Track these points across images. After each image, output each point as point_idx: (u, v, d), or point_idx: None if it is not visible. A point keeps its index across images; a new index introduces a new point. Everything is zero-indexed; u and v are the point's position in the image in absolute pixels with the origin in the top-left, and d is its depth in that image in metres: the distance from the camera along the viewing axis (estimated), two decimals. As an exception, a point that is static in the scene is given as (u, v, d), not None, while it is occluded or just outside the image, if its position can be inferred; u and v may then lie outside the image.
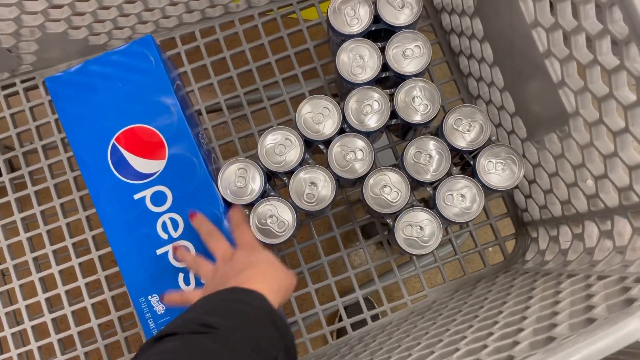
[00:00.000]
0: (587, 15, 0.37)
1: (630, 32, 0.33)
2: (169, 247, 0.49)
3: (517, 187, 0.56)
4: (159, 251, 0.49)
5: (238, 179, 0.51)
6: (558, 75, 0.42)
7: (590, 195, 0.43)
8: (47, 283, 0.59)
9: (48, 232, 0.59)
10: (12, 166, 0.63)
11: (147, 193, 0.49)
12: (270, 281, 0.41)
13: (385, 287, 0.58)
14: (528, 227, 0.57)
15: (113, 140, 0.49)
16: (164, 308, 0.48)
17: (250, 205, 0.51)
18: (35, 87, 0.62)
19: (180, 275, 0.49)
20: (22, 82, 0.61)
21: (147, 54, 0.50)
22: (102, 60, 0.50)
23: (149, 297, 0.48)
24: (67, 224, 0.59)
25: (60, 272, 0.58)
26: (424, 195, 0.55)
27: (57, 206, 0.59)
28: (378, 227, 0.59)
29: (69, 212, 0.60)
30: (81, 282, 0.58)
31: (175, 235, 0.49)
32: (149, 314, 0.48)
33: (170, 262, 0.49)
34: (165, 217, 0.49)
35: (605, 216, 0.42)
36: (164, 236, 0.49)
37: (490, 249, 0.58)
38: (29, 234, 0.59)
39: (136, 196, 0.49)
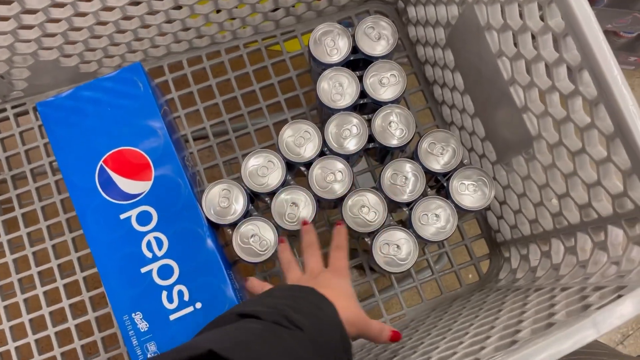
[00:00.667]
0: (545, 45, 0.40)
1: (582, 59, 0.36)
2: (153, 266, 0.50)
3: (489, 208, 0.59)
4: (143, 269, 0.50)
5: (222, 199, 0.53)
6: (522, 101, 0.45)
7: (555, 213, 0.46)
8: (31, 304, 0.60)
9: (34, 253, 0.60)
10: (-1, 190, 0.65)
11: (133, 213, 0.51)
12: (344, 308, 0.41)
13: (366, 310, 0.59)
14: (501, 247, 0.59)
15: (101, 162, 0.51)
16: (147, 325, 0.49)
17: (233, 225, 0.53)
18: (26, 112, 0.64)
19: (164, 293, 0.50)
20: (13, 107, 0.63)
21: (136, 80, 0.53)
22: (92, 86, 0.53)
23: (133, 314, 0.49)
24: (53, 246, 0.60)
25: (45, 293, 0.59)
26: (401, 217, 0.57)
27: (44, 228, 0.61)
28: (359, 251, 0.61)
29: (55, 235, 0.61)
30: (65, 302, 0.59)
31: (159, 254, 0.50)
32: (132, 332, 0.49)
33: (154, 281, 0.50)
34: (150, 236, 0.50)
35: (569, 233, 0.45)
36: (149, 255, 0.50)
37: (466, 268, 0.60)
38: (15, 256, 0.60)
39: (122, 216, 0.51)
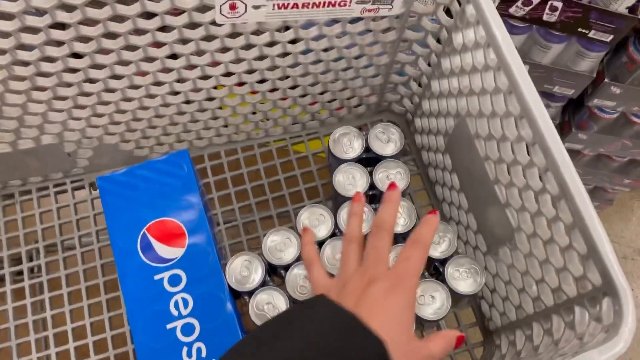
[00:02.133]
0: (519, 151, 0.49)
1: (547, 163, 0.44)
2: (177, 323, 0.57)
3: (482, 297, 0.65)
4: (169, 326, 0.56)
5: (243, 269, 0.60)
6: (504, 197, 0.53)
7: (534, 298, 0.52)
8: (59, 339, 0.66)
9: (70, 311, 0.67)
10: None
11: (166, 275, 0.58)
12: (396, 343, 0.35)
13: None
14: (493, 334, 0.64)
15: (144, 229, 0.60)
16: (168, 378, 0.55)
17: (250, 293, 0.60)
18: (82, 187, 0.74)
19: (184, 349, 0.56)
20: (72, 182, 0.73)
21: (182, 163, 0.63)
22: (145, 166, 0.63)
23: (156, 366, 0.55)
24: (89, 305, 0.67)
25: (75, 348, 0.65)
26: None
27: (83, 289, 0.68)
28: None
29: (91, 294, 0.68)
30: (89, 339, 0.65)
31: (184, 312, 0.57)
32: (154, 382, 0.55)
33: (177, 337, 0.56)
34: (178, 297, 0.57)
35: (546, 315, 0.51)
36: (175, 313, 0.57)
37: (462, 354, 0.65)
38: (53, 312, 0.67)
39: (156, 277, 0.58)
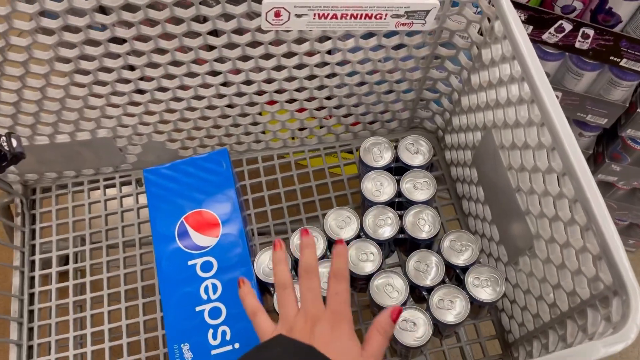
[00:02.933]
0: (539, 157, 0.51)
1: (564, 167, 0.46)
2: (206, 306, 0.60)
3: (502, 309, 0.66)
4: (198, 308, 0.60)
5: (270, 262, 0.63)
6: (525, 205, 0.55)
7: (551, 304, 0.53)
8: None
9: (109, 312, 0.71)
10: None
11: (199, 261, 0.62)
12: None
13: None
14: (512, 347, 0.65)
15: (182, 218, 0.64)
16: (192, 356, 0.58)
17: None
18: (129, 182, 0.79)
19: (210, 331, 0.59)
20: (120, 177, 0.79)
21: (222, 161, 0.67)
22: (188, 162, 0.68)
23: (182, 344, 0.58)
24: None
25: (110, 348, 0.70)
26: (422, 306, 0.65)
27: (121, 275, 0.73)
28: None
29: (129, 281, 0.73)
30: (124, 340, 0.69)
31: (213, 297, 0.60)
32: (179, 359, 0.58)
33: (205, 319, 0.59)
34: (209, 282, 0.61)
35: (561, 322, 0.51)
36: (204, 297, 0.60)
37: (479, 367, 0.65)
38: (93, 312, 0.72)
39: (190, 262, 0.62)
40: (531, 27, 0.74)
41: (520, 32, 0.51)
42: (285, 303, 0.49)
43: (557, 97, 0.83)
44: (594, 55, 0.74)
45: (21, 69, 0.58)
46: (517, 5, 0.72)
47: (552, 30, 0.73)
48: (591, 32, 0.71)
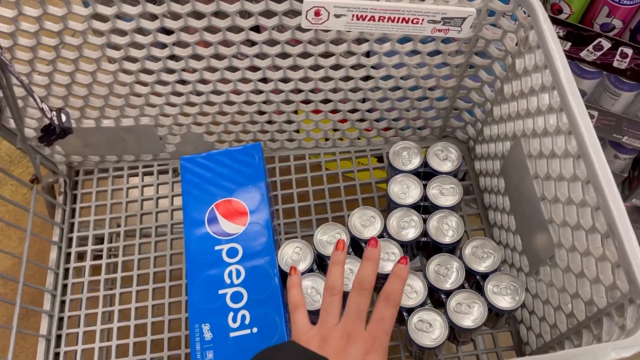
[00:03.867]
0: (564, 166, 0.52)
1: (588, 174, 0.47)
2: (228, 290, 0.62)
3: (521, 321, 0.65)
4: (221, 291, 0.62)
5: (294, 254, 0.65)
6: (548, 213, 0.55)
7: (569, 314, 0.53)
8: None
9: (137, 292, 0.74)
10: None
11: (225, 247, 0.64)
12: None
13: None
14: (529, 359, 0.64)
15: (213, 206, 0.67)
16: (211, 336, 0.60)
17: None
18: (166, 171, 0.83)
19: (230, 314, 0.61)
20: (159, 165, 0.83)
21: (254, 154, 0.70)
22: (223, 153, 0.70)
23: (203, 325, 0.60)
24: (154, 273, 0.75)
25: (135, 326, 0.72)
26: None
27: (151, 258, 0.76)
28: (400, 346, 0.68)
29: (158, 264, 0.76)
30: (149, 320, 0.72)
31: (236, 282, 0.62)
32: (198, 338, 0.60)
33: (226, 302, 0.61)
34: (233, 267, 0.63)
35: (577, 332, 0.51)
36: (228, 281, 0.62)
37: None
38: (122, 290, 0.75)
39: (216, 247, 0.64)
40: (569, 44, 0.74)
41: (554, 41, 0.52)
42: (329, 309, 0.48)
43: (593, 116, 0.82)
44: (632, 75, 0.74)
45: (75, 53, 0.62)
46: (556, 21, 0.72)
47: (590, 47, 0.73)
48: (630, 52, 0.70)
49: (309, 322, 0.48)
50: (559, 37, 0.73)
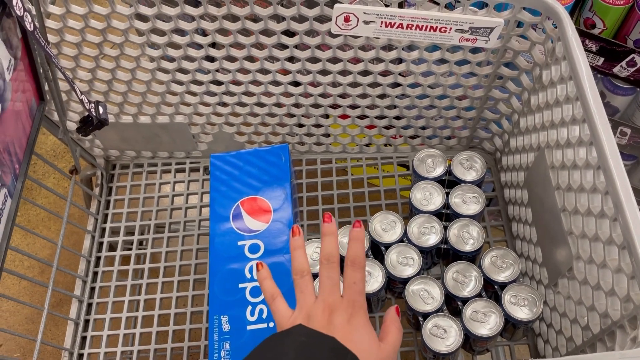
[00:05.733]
0: (585, 177, 0.51)
1: (607, 184, 0.47)
2: (248, 284, 0.64)
3: (539, 334, 0.65)
4: (241, 285, 0.64)
5: (314, 254, 0.67)
6: (568, 224, 0.55)
7: (584, 327, 0.52)
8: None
9: (162, 283, 0.76)
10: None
11: (248, 243, 0.66)
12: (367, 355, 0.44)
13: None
14: (545, 373, 0.63)
15: (238, 202, 0.69)
16: (229, 328, 0.62)
17: (316, 275, 0.65)
18: (197, 169, 0.86)
19: (249, 308, 0.63)
20: (190, 162, 0.86)
21: (281, 154, 0.72)
22: (252, 152, 0.73)
23: (222, 316, 0.62)
24: (180, 266, 0.77)
25: (159, 316, 0.75)
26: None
27: (178, 251, 0.78)
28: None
29: (184, 258, 0.78)
30: (172, 310, 0.74)
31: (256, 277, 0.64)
32: (217, 329, 0.62)
33: (246, 296, 0.63)
34: (254, 263, 0.65)
35: (591, 344, 0.51)
36: (248, 276, 0.64)
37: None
38: (149, 280, 0.78)
39: (239, 242, 0.66)
40: (602, 59, 0.74)
41: (580, 51, 0.52)
42: (304, 289, 0.50)
43: (626, 133, 0.81)
44: (667, 92, 0.72)
45: (117, 51, 0.66)
46: (589, 36, 0.72)
47: (623, 63, 0.72)
48: (665, 69, 0.70)
49: (289, 308, 0.50)
50: (592, 52, 0.73)
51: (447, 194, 0.69)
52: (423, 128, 0.77)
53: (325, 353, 0.41)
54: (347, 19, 0.59)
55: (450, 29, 0.60)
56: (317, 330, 0.44)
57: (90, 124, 0.57)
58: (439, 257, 0.71)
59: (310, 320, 0.47)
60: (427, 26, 0.60)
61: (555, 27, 0.56)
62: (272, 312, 0.51)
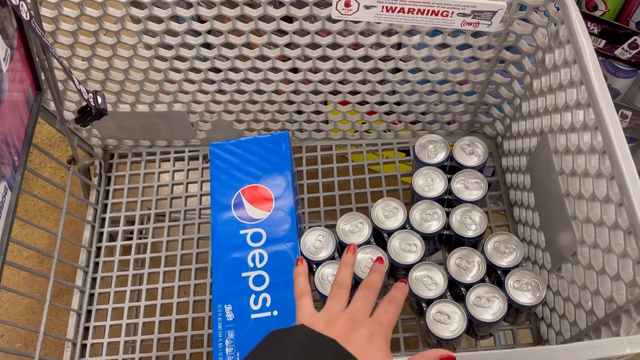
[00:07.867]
0: (590, 162, 0.51)
1: (612, 169, 0.46)
2: (251, 273, 0.64)
3: (542, 318, 0.65)
4: (244, 274, 0.64)
5: (316, 241, 0.66)
6: (572, 209, 0.55)
7: (588, 311, 0.52)
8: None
9: (164, 272, 0.76)
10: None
11: (250, 231, 0.66)
12: None
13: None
14: (548, 357, 0.64)
15: (239, 191, 0.69)
16: (233, 317, 0.62)
17: (318, 263, 0.65)
18: (196, 158, 0.85)
19: (252, 297, 0.63)
20: (190, 151, 0.85)
21: (282, 142, 0.71)
22: (252, 140, 0.72)
23: (225, 305, 0.62)
24: (181, 255, 0.77)
25: (162, 305, 0.75)
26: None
27: (179, 240, 0.78)
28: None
29: (186, 247, 0.78)
30: (175, 300, 0.74)
31: (259, 265, 0.64)
32: (220, 318, 0.62)
33: (249, 285, 0.63)
34: (256, 251, 0.65)
35: (596, 329, 0.51)
36: (251, 264, 0.64)
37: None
38: (151, 270, 0.78)
39: (241, 231, 0.66)
40: (604, 41, 0.73)
41: (584, 35, 0.51)
42: (336, 297, 0.49)
43: (627, 116, 0.81)
44: (668, 74, 0.72)
45: (114, 38, 0.65)
46: (591, 18, 0.71)
47: (625, 46, 0.72)
48: (667, 50, 0.69)
49: (314, 308, 0.49)
50: (594, 34, 0.72)
51: (449, 180, 0.68)
52: (424, 113, 0.77)
53: (325, 355, 0.40)
54: (347, 4, 0.59)
55: (453, 12, 0.59)
56: (318, 332, 0.43)
57: (88, 114, 0.56)
58: (441, 243, 0.71)
59: (330, 326, 0.45)
60: (429, 10, 0.59)
61: (558, 10, 0.56)
62: (296, 307, 0.50)
